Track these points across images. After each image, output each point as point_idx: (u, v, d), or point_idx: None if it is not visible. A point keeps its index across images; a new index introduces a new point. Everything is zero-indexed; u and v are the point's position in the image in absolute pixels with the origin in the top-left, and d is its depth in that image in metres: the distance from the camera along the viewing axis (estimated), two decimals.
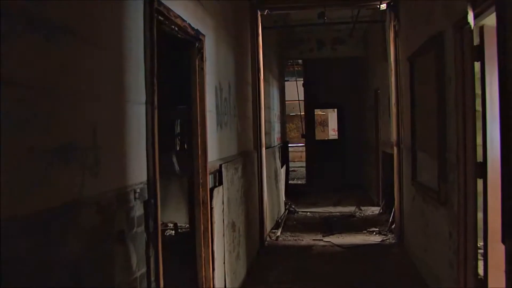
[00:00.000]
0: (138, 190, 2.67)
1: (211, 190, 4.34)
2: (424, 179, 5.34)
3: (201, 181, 4.18)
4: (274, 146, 9.57)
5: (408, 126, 6.05)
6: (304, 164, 16.21)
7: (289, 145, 22.21)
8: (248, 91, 6.81)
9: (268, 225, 7.94)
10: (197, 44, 4.21)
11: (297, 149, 22.18)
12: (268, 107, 9.03)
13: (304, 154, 16.35)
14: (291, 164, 21.32)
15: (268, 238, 7.78)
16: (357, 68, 13.05)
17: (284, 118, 12.80)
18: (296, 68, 17.18)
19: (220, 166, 4.71)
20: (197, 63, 4.21)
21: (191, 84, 4.24)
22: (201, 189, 4.19)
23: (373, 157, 10.78)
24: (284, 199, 10.48)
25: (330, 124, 23.69)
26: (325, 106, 16.59)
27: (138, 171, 2.73)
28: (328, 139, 21.19)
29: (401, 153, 6.91)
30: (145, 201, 2.76)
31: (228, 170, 4.99)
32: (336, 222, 9.07)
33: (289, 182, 14.53)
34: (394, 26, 6.85)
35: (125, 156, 2.59)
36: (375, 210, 10.09)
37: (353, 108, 13.58)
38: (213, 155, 4.58)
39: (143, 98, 2.89)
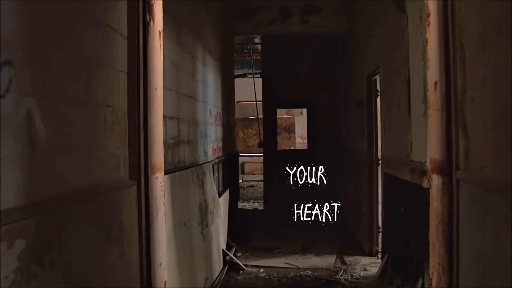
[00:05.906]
0: None
1: None
2: None
3: None
4: (203, 163, 5.69)
5: None
6: None
7: (248, 154, 18.55)
8: (109, 46, 2.91)
9: None
10: None
11: (257, 159, 18.36)
12: (189, 96, 5.15)
13: None
14: (249, 178, 17.55)
15: None
16: (339, 47, 9.24)
17: (232, 120, 8.92)
18: (255, 57, 13.40)
19: None
20: None
21: None
22: None
23: (363, 180, 6.98)
24: (224, 245, 6.61)
25: (297, 130, 19.64)
26: (291, 104, 12.68)
27: None
28: (295, 149, 17.37)
29: (456, 192, 3.12)
30: None
31: None
32: None
33: (240, 207, 10.66)
34: None
35: None
36: (368, 264, 6.36)
37: (331, 107, 9.66)
38: None
39: None
